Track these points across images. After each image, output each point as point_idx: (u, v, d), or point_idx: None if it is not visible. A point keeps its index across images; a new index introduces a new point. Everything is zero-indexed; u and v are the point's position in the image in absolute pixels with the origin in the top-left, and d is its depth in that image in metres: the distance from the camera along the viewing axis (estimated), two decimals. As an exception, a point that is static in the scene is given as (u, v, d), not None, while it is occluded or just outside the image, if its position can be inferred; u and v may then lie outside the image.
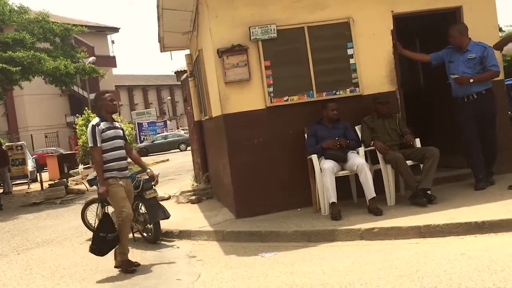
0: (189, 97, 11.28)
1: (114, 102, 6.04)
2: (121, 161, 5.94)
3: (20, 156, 19.04)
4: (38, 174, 19.08)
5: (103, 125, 5.84)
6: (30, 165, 19.65)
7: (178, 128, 49.65)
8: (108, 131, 5.85)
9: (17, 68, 16.29)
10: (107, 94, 6.12)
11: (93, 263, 6.46)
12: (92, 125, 5.83)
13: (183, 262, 6.04)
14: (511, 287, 3.71)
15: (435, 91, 8.01)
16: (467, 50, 6.83)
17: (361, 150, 6.82)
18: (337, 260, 5.17)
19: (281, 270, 5.06)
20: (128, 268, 5.82)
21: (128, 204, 5.94)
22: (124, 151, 6.03)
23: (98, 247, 5.85)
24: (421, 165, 6.64)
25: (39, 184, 18.04)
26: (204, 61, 8.31)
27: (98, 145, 5.77)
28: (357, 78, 7.35)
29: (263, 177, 7.20)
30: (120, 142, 5.96)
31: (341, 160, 6.63)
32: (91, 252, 5.89)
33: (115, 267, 5.93)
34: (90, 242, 6.00)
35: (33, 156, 24.12)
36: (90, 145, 5.82)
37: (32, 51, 17.26)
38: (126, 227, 5.96)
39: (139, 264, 5.93)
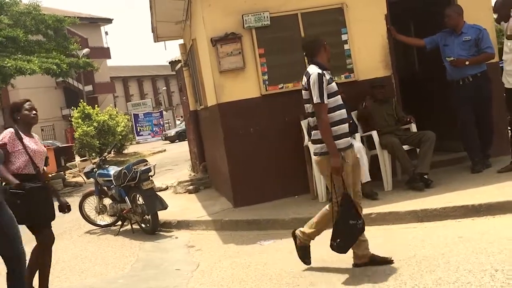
0: (184, 87, 11.24)
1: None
2: (346, 124, 4.46)
3: (17, 150, 18.93)
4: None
5: (327, 74, 4.40)
6: (27, 159, 19.56)
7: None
8: (333, 83, 4.40)
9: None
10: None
11: (92, 255, 6.48)
12: (318, 73, 4.28)
13: (182, 252, 6.05)
14: (509, 269, 3.73)
15: (430, 75, 8.00)
16: (462, 33, 6.81)
17: (358, 135, 6.82)
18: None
19: (280, 258, 5.08)
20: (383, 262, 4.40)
21: (358, 184, 4.57)
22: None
23: (346, 240, 4.32)
24: (418, 150, 6.65)
25: (37, 177, 17.98)
26: (198, 51, 8.27)
27: (326, 102, 4.30)
28: (351, 63, 7.34)
29: (260, 166, 7.20)
30: (340, 99, 4.49)
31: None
32: (336, 250, 4.37)
33: (356, 265, 4.49)
34: (89, 234, 5.99)
35: (30, 150, 24.02)
36: (316, 100, 4.25)
37: (20, 54, 17.16)
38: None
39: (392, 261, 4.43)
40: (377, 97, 7.00)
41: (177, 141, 34.99)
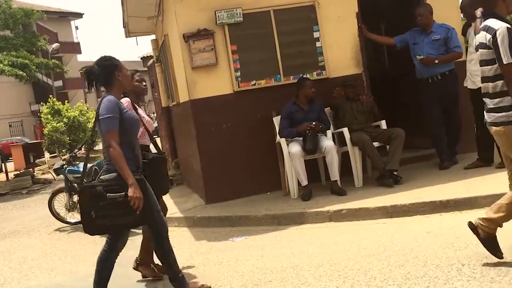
0: (156, 83, 11.16)
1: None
2: None
3: (-17, 146, 18.56)
4: (2, 164, 18.67)
5: None
6: (-6, 155, 19.21)
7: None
8: None
9: None
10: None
11: (62, 253, 6.40)
12: (507, 27, 3.59)
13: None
14: (474, 263, 3.82)
15: (400, 73, 8.11)
16: (432, 32, 6.93)
17: (329, 132, 6.88)
18: (306, 242, 5.23)
19: (251, 254, 5.10)
20: None
21: None
22: None
23: None
24: (388, 147, 6.74)
25: (4, 174, 17.65)
26: (170, 46, 8.22)
27: None
28: (323, 61, 7.39)
29: (232, 162, 7.20)
30: None
31: (311, 153, 6.63)
32: None
33: None
34: (58, 232, 5.91)
35: (-3, 146, 23.58)
36: (506, 61, 3.52)
37: None
38: None
39: None
40: (348, 96, 7.08)
41: (155, 136, 34.73)
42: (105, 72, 3.99)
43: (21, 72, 16.94)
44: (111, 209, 3.74)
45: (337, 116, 7.09)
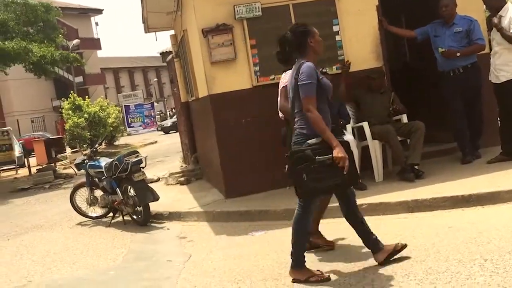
0: (175, 78, 11.20)
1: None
2: None
3: (7, 141, 18.80)
4: (25, 159, 18.92)
5: None
6: (17, 150, 19.45)
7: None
8: None
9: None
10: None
11: (84, 246, 6.47)
12: None
13: (174, 243, 6.06)
14: (497, 258, 3.77)
15: (421, 66, 8.02)
16: (454, 24, 6.82)
17: (349, 126, 6.83)
18: (326, 237, 5.20)
19: (271, 249, 5.09)
20: None
21: None
22: None
23: None
24: (408, 141, 6.68)
25: (27, 169, 17.92)
26: (189, 42, 8.24)
27: None
28: (343, 55, 7.34)
29: (251, 157, 7.20)
30: None
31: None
32: None
33: None
34: (80, 226, 5.98)
35: (20, 141, 23.88)
36: None
37: (19, 38, 16.94)
38: None
39: None
40: (371, 88, 7.01)
41: (173, 131, 33.94)
42: (298, 39, 4.08)
43: (49, 55, 17.12)
44: (321, 172, 3.85)
45: (363, 108, 7.00)
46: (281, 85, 5.09)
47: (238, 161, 7.20)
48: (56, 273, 5.50)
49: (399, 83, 7.88)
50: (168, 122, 37.45)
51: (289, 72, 4.30)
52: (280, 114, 5.37)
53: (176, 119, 36.13)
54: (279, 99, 5.24)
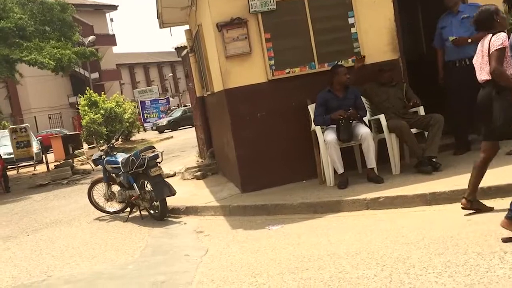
0: (190, 73, 11.22)
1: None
2: None
3: (25, 138, 19.04)
4: (43, 155, 19.15)
5: None
6: (35, 146, 19.69)
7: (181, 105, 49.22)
8: None
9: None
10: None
11: (102, 241, 6.53)
12: None
13: (191, 237, 6.08)
14: (518, 251, 3.73)
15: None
16: (460, 11, 6.84)
17: (365, 119, 6.79)
18: (343, 230, 5.20)
19: (288, 242, 5.09)
20: None
21: None
22: None
23: None
24: (426, 133, 6.62)
25: (45, 165, 18.13)
26: (204, 36, 8.24)
27: None
28: (358, 47, 7.28)
29: (267, 151, 7.19)
30: None
31: (346, 142, 6.57)
32: None
33: None
34: (98, 221, 6.03)
35: (38, 138, 24.17)
36: None
37: (37, 40, 17.18)
38: None
39: None
40: (381, 81, 6.97)
41: (169, 130, 33.57)
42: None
43: (66, 59, 17.32)
44: None
45: (378, 101, 6.96)
46: (490, 49, 4.64)
47: (254, 155, 7.19)
48: (75, 268, 5.56)
49: (416, 74, 7.80)
50: (163, 121, 36.28)
51: (487, 38, 4.69)
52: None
53: (171, 118, 36.01)
54: (492, 64, 4.65)
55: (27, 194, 12.61)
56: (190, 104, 17.15)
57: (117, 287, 4.80)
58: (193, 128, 14.57)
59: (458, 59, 6.81)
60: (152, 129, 36.18)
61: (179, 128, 34.31)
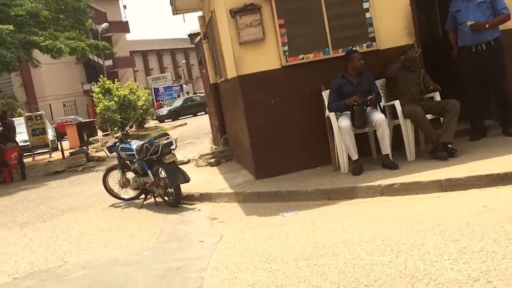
0: (203, 59, 11.20)
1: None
2: None
3: (40, 125, 19.21)
4: (58, 143, 19.30)
5: None
6: (51, 134, 19.88)
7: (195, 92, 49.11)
8: None
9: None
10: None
11: (117, 227, 6.58)
12: None
13: (205, 224, 6.11)
14: (535, 237, 3.69)
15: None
16: None
17: (380, 105, 6.73)
18: (358, 216, 5.18)
19: (302, 229, 5.09)
20: None
21: None
22: None
23: None
24: (441, 119, 6.55)
25: (60, 152, 18.28)
26: (217, 22, 8.20)
27: None
28: (373, 32, 7.20)
29: (281, 137, 7.18)
30: None
31: (361, 128, 6.52)
32: None
33: None
34: (113, 208, 6.07)
35: (53, 125, 24.38)
36: None
37: (52, 29, 17.29)
38: None
39: None
40: (405, 65, 6.86)
41: (169, 120, 33.01)
42: None
43: (80, 48, 17.46)
44: None
45: (395, 86, 6.88)
46: None
47: (267, 141, 7.18)
48: (91, 254, 5.61)
49: (432, 59, 7.71)
50: (163, 110, 35.42)
51: None
52: None
53: (171, 107, 35.61)
54: None
55: (43, 181, 12.73)
56: (203, 90, 17.11)
57: (132, 273, 4.83)
58: (204, 116, 14.55)
59: (475, 44, 6.73)
60: (153, 119, 34.35)
61: (179, 118, 33.64)
